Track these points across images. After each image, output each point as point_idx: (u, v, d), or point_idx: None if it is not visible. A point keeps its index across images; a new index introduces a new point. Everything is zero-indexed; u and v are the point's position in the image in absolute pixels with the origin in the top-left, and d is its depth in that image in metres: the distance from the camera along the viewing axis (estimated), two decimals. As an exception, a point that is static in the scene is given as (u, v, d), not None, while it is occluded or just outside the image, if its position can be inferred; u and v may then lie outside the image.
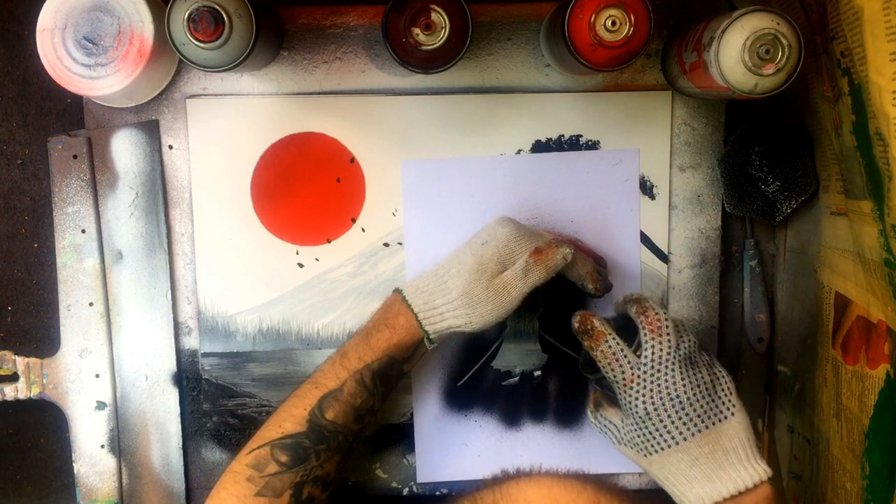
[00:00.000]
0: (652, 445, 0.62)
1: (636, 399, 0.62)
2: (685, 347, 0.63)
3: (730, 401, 0.62)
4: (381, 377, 0.67)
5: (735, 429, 0.61)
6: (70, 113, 0.75)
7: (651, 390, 0.62)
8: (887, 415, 0.62)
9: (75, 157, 0.73)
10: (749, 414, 0.63)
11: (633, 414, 0.63)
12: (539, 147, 0.75)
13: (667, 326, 0.63)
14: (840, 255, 0.68)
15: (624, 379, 0.63)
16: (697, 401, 0.61)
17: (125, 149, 0.74)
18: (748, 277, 0.78)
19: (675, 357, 0.62)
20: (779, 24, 0.59)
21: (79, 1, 0.65)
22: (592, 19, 0.61)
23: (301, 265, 0.75)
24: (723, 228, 0.77)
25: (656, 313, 0.64)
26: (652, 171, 0.75)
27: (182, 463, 0.76)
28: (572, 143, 0.75)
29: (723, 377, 0.63)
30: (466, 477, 0.78)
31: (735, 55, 0.60)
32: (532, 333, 0.77)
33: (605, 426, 0.68)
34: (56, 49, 0.65)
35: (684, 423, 0.61)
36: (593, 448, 0.77)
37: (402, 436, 0.77)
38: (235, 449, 0.77)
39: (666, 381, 0.62)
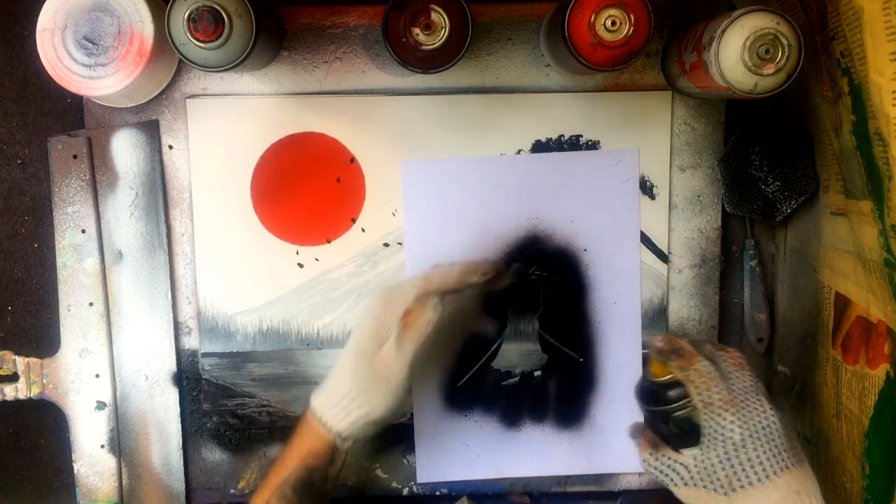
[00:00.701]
0: (740, 479, 0.58)
1: (732, 423, 0.59)
2: (762, 388, 0.62)
3: (797, 449, 0.60)
4: (303, 489, 0.64)
5: (810, 475, 0.59)
6: (70, 113, 0.75)
7: (745, 416, 0.60)
8: (887, 415, 0.62)
9: (75, 157, 0.73)
10: None
11: (724, 442, 0.59)
12: (539, 147, 0.75)
13: (747, 363, 0.63)
14: (840, 255, 0.68)
15: (721, 401, 0.60)
16: (786, 434, 0.59)
17: (125, 149, 0.74)
18: (748, 277, 0.78)
19: (759, 390, 0.61)
20: (779, 23, 0.59)
21: (79, 1, 0.65)
22: (592, 19, 0.61)
23: (301, 265, 0.75)
24: (723, 228, 0.77)
25: (738, 352, 0.63)
26: (652, 171, 0.75)
27: (182, 463, 0.76)
28: (572, 143, 0.75)
29: (790, 424, 0.62)
30: (466, 477, 0.78)
31: (735, 55, 0.60)
32: (532, 333, 0.77)
33: (670, 467, 0.63)
34: (56, 49, 0.65)
35: (775, 456, 0.58)
36: (593, 448, 0.78)
37: (402, 436, 0.77)
38: (235, 449, 0.77)
39: (757, 410, 0.60)
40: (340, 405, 0.65)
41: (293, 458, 0.65)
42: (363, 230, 0.75)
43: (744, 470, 0.58)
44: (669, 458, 0.63)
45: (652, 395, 0.64)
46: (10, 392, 0.75)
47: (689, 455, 0.61)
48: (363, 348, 0.65)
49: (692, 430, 0.61)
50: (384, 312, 0.65)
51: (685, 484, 0.61)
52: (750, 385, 0.61)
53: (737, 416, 0.60)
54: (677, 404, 0.63)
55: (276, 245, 0.75)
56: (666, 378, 0.63)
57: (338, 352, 0.75)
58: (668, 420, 0.63)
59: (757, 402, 0.60)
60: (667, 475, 0.63)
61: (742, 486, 0.58)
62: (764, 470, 0.58)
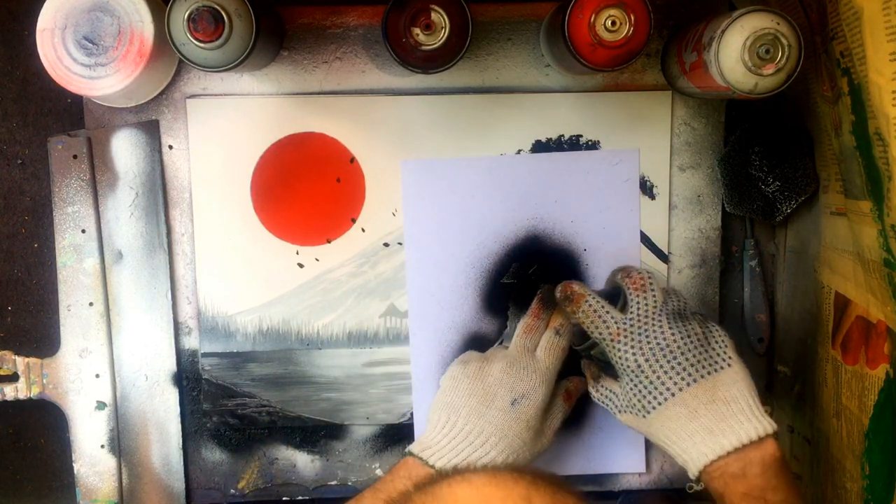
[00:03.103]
0: (649, 402, 0.61)
1: (626, 353, 0.62)
2: (673, 304, 0.63)
3: (726, 353, 0.61)
4: None
5: (733, 379, 0.60)
6: (70, 113, 0.75)
7: (640, 341, 0.61)
8: (887, 415, 0.62)
9: (75, 157, 0.73)
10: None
11: (626, 370, 0.62)
12: (539, 147, 0.75)
13: (651, 284, 0.64)
14: (840, 255, 0.68)
15: (610, 334, 0.63)
16: (689, 350, 0.60)
17: (125, 149, 0.74)
18: (748, 277, 0.78)
19: (661, 310, 0.62)
20: (779, 24, 0.59)
21: (79, 1, 0.65)
22: (592, 19, 0.61)
23: (301, 265, 0.75)
24: (723, 228, 0.77)
25: (639, 273, 0.65)
26: (652, 171, 0.75)
27: (182, 463, 0.76)
28: (572, 143, 0.75)
29: (717, 332, 0.63)
30: (466, 477, 0.78)
31: (735, 55, 0.60)
32: (532, 333, 0.77)
33: (606, 396, 0.66)
34: (56, 49, 0.65)
35: (678, 373, 0.60)
36: (593, 448, 0.77)
37: (402, 436, 0.77)
38: (235, 449, 0.77)
39: (654, 332, 0.61)
40: (476, 457, 0.63)
41: None
42: (363, 230, 0.75)
43: (650, 392, 0.61)
44: (605, 388, 0.67)
45: (574, 336, 0.70)
46: (10, 392, 0.75)
47: (618, 384, 0.65)
48: (530, 425, 0.65)
49: (610, 363, 0.65)
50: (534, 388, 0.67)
51: (619, 411, 0.65)
52: (651, 307, 0.63)
53: (629, 344, 0.62)
54: (587, 343, 0.67)
55: (276, 245, 0.75)
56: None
57: (339, 351, 0.76)
58: (591, 356, 0.69)
59: (656, 324, 0.62)
60: (606, 404, 0.67)
61: (654, 407, 0.60)
62: (668, 389, 0.60)
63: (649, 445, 0.78)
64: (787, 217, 0.76)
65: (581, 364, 0.72)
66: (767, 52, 0.59)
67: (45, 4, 0.65)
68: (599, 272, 0.76)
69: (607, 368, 0.67)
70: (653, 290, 0.64)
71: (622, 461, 0.78)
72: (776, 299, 0.79)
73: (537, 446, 0.67)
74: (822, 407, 0.72)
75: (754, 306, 0.78)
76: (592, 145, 0.75)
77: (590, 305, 0.64)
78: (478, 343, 0.76)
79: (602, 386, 0.67)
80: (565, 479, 0.78)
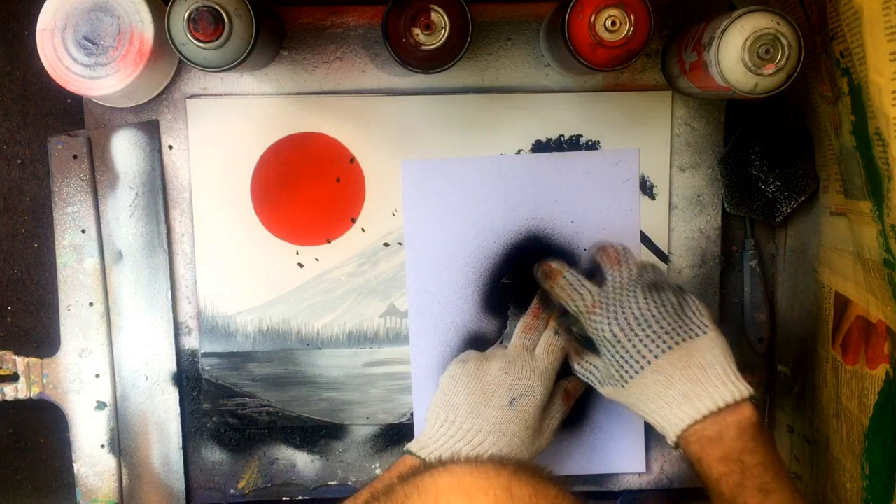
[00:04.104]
0: (626, 371, 0.61)
1: (601, 323, 0.62)
2: (648, 276, 0.65)
3: (702, 321, 0.62)
4: None
5: (708, 346, 0.60)
6: (70, 113, 0.75)
7: (615, 312, 0.62)
8: (887, 415, 0.62)
9: (75, 157, 0.73)
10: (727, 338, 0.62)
11: (602, 341, 0.63)
12: (539, 147, 0.75)
13: (626, 257, 0.66)
14: (840, 255, 0.68)
15: (586, 307, 0.64)
16: (664, 318, 0.61)
17: (125, 149, 0.74)
18: (748, 277, 0.78)
19: (636, 282, 0.63)
20: (779, 23, 0.59)
21: (79, 1, 0.65)
22: (592, 19, 0.61)
23: (301, 265, 0.75)
24: (723, 228, 0.77)
25: (614, 248, 0.66)
26: (652, 171, 0.75)
27: (182, 463, 0.76)
28: (572, 143, 0.75)
29: (693, 301, 0.63)
30: (466, 477, 0.78)
31: (735, 55, 0.60)
32: (532, 333, 0.77)
33: (588, 370, 0.68)
34: (56, 49, 0.65)
35: (652, 341, 0.60)
36: (593, 448, 0.77)
37: (402, 436, 0.77)
38: (235, 449, 0.77)
39: (629, 302, 0.62)
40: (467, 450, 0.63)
41: None
42: (363, 230, 0.75)
43: (626, 362, 0.61)
44: (587, 363, 0.68)
45: (561, 313, 0.71)
46: (10, 392, 0.75)
47: (599, 358, 0.65)
48: (529, 424, 0.65)
49: (591, 339, 0.66)
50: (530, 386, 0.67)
51: (601, 384, 0.66)
52: (625, 279, 0.64)
53: (604, 315, 0.63)
54: (567, 318, 0.69)
55: (276, 245, 0.75)
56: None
57: (339, 351, 0.76)
58: (571, 332, 0.70)
59: (631, 295, 0.63)
60: (589, 379, 0.68)
61: (631, 377, 0.61)
62: (644, 357, 0.61)
63: (649, 445, 0.78)
64: (787, 217, 0.76)
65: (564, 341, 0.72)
66: (767, 52, 0.59)
67: (45, 4, 0.65)
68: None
69: (589, 344, 0.68)
70: (627, 262, 0.65)
71: (622, 461, 0.78)
72: (776, 299, 0.79)
73: (535, 445, 0.67)
74: (822, 407, 0.72)
75: (754, 306, 0.78)
76: (592, 145, 0.75)
77: (566, 279, 0.66)
78: (478, 343, 0.76)
79: (585, 361, 0.68)
80: (565, 478, 0.78)
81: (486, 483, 0.42)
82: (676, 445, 0.60)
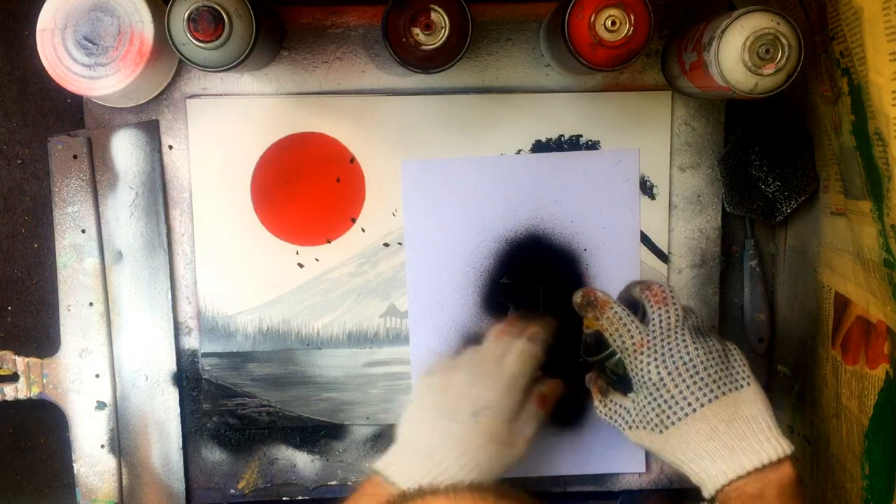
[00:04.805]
0: (668, 416, 0.59)
1: (648, 365, 0.60)
2: (693, 319, 0.62)
3: (744, 371, 0.60)
4: None
5: (753, 399, 0.59)
6: (70, 113, 0.75)
7: (663, 354, 0.60)
8: (887, 415, 0.62)
9: (75, 157, 0.73)
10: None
11: (645, 383, 0.60)
12: (539, 147, 0.75)
13: (672, 298, 0.62)
14: (840, 255, 0.68)
15: (634, 344, 0.61)
16: (712, 366, 0.59)
17: (125, 149, 0.74)
18: (748, 277, 0.78)
19: (683, 325, 0.61)
20: (779, 23, 0.59)
21: (79, 1, 0.65)
22: (592, 19, 0.61)
23: (301, 265, 0.75)
24: (723, 228, 0.77)
25: (661, 286, 0.63)
26: (652, 171, 0.75)
27: (182, 463, 0.76)
28: (572, 143, 0.75)
29: (735, 350, 0.62)
30: (466, 477, 0.78)
31: (735, 55, 0.60)
32: (532, 333, 0.77)
33: (615, 412, 0.64)
34: (56, 49, 0.65)
35: (700, 389, 0.58)
36: (593, 448, 0.77)
37: (402, 436, 0.77)
38: (235, 449, 0.77)
39: (677, 345, 0.60)
40: (435, 474, 0.60)
41: None
42: (363, 230, 0.75)
43: (670, 407, 0.59)
44: (615, 403, 0.65)
45: (587, 347, 0.67)
46: (10, 392, 0.75)
47: (629, 399, 0.63)
48: (495, 436, 0.62)
49: (626, 375, 0.63)
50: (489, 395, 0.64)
51: (629, 427, 0.63)
52: (673, 321, 0.61)
53: (652, 356, 0.60)
54: (605, 353, 0.65)
55: (276, 245, 0.75)
56: (592, 329, 0.66)
57: (338, 351, 0.76)
58: (604, 368, 0.66)
59: (679, 338, 0.60)
60: (614, 420, 0.65)
61: (673, 423, 0.59)
62: (690, 404, 0.59)
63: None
64: (787, 217, 0.76)
65: (586, 379, 0.69)
66: (767, 52, 0.59)
67: (45, 4, 0.65)
68: (599, 272, 0.76)
69: (616, 383, 0.66)
70: (675, 304, 0.62)
71: (622, 461, 0.78)
72: (776, 299, 0.79)
73: (506, 458, 0.63)
74: (822, 407, 0.72)
75: (754, 306, 0.78)
76: (592, 145, 0.75)
77: (615, 313, 0.62)
78: (478, 343, 0.76)
79: (611, 401, 0.65)
80: (564, 478, 0.78)
81: None
82: (712, 499, 0.57)
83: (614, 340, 0.63)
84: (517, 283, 0.76)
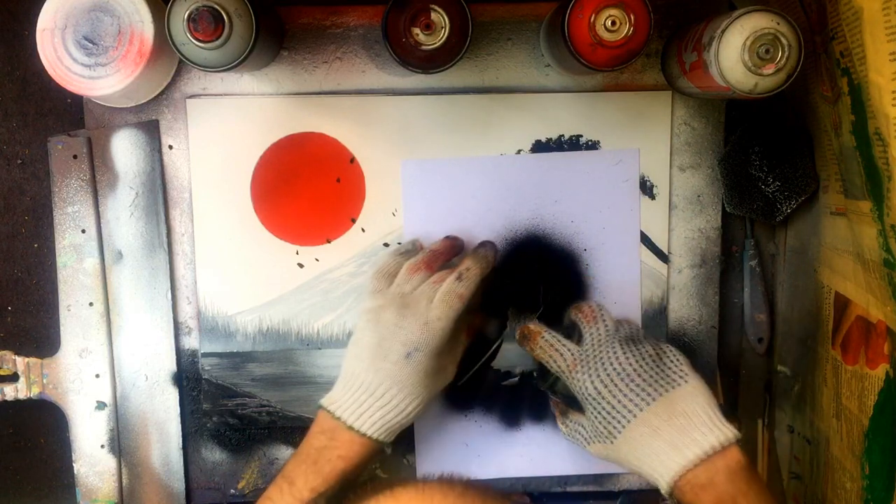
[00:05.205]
0: (614, 427, 0.62)
1: (584, 381, 0.63)
2: (625, 330, 0.65)
3: (681, 370, 0.63)
4: (335, 499, 0.62)
5: (691, 394, 0.61)
6: (70, 113, 0.75)
7: (596, 368, 0.63)
8: (887, 415, 0.62)
9: (75, 157, 0.73)
10: (708, 385, 0.62)
11: (587, 398, 0.63)
12: (539, 147, 0.75)
13: (601, 314, 0.66)
14: (840, 255, 0.68)
15: (567, 365, 0.65)
16: (645, 370, 0.62)
17: (125, 149, 0.74)
18: (748, 277, 0.78)
19: (614, 337, 0.64)
20: (779, 23, 0.59)
21: (79, 1, 0.65)
22: (592, 19, 0.61)
23: (301, 265, 0.75)
24: (723, 228, 0.77)
25: (590, 305, 0.68)
26: (652, 171, 0.75)
27: (182, 463, 0.76)
28: (572, 143, 0.75)
29: (671, 351, 0.64)
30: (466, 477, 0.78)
31: (735, 55, 0.60)
32: (532, 333, 0.77)
33: (574, 430, 0.68)
34: (56, 49, 0.65)
35: (637, 395, 0.61)
36: (593, 448, 0.78)
37: (401, 435, 0.77)
38: (235, 449, 0.77)
39: (609, 357, 0.63)
40: (376, 407, 0.64)
41: (334, 476, 0.63)
42: (363, 230, 0.75)
43: (613, 417, 0.62)
44: (573, 422, 0.69)
45: (539, 375, 0.73)
46: (10, 392, 0.75)
47: (584, 416, 0.66)
48: (430, 370, 0.65)
49: (574, 397, 0.66)
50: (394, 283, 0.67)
51: (588, 442, 0.66)
52: (604, 335, 0.65)
53: (587, 372, 0.63)
54: (551, 379, 0.71)
55: (276, 245, 0.75)
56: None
57: (338, 351, 0.76)
58: (556, 392, 0.71)
59: (609, 350, 0.63)
60: (575, 438, 0.68)
61: (619, 431, 0.61)
62: (630, 411, 0.61)
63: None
64: (787, 217, 0.76)
65: (549, 403, 0.74)
66: (767, 52, 0.59)
67: (45, 4, 0.65)
68: (599, 272, 0.76)
69: (573, 403, 0.69)
70: (604, 318, 0.66)
71: (622, 461, 0.78)
72: (776, 299, 0.79)
73: (441, 383, 0.68)
74: (822, 407, 0.72)
75: (754, 306, 0.78)
76: (592, 145, 0.75)
77: (545, 339, 0.67)
78: (477, 344, 0.76)
79: (569, 420, 0.70)
80: (563, 478, 0.78)
81: None
82: (670, 495, 0.60)
83: (550, 365, 0.67)
84: (517, 282, 0.76)
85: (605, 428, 0.63)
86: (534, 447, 0.77)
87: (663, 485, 0.59)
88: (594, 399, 0.63)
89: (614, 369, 0.62)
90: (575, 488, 0.79)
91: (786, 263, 0.78)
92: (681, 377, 0.62)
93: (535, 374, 0.75)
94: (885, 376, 0.62)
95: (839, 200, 0.68)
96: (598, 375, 0.63)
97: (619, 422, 0.61)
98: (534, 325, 0.68)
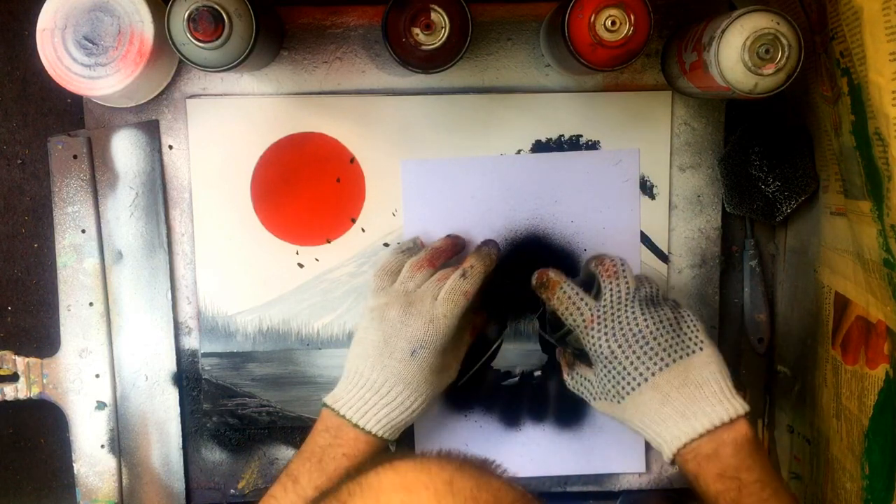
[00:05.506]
0: (623, 388, 0.61)
1: (599, 339, 0.62)
2: (646, 291, 0.64)
3: (697, 337, 0.62)
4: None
5: (704, 362, 0.61)
6: (70, 113, 0.75)
7: (613, 328, 0.62)
8: (887, 415, 0.62)
9: (75, 157, 0.73)
10: (723, 356, 0.62)
11: (599, 357, 0.63)
12: (539, 147, 0.75)
13: (623, 271, 0.65)
14: (840, 255, 0.68)
15: (584, 321, 0.64)
16: (662, 335, 0.61)
17: (125, 149, 0.74)
18: (748, 277, 0.78)
19: (634, 297, 0.63)
20: (779, 23, 0.59)
21: (79, 1, 0.65)
22: (592, 19, 0.61)
23: (301, 265, 0.75)
24: (723, 228, 0.77)
25: (612, 261, 0.65)
26: (652, 171, 0.75)
27: (182, 463, 0.76)
28: (572, 143, 0.75)
29: (689, 317, 0.64)
30: (466, 477, 0.78)
31: (735, 55, 0.60)
32: (532, 333, 0.77)
33: (581, 384, 0.68)
34: (56, 49, 0.65)
35: (650, 358, 0.60)
36: (593, 448, 0.77)
37: (401, 436, 0.77)
38: (235, 449, 0.77)
39: (627, 318, 0.62)
40: (381, 405, 0.64)
41: (338, 475, 0.62)
42: (363, 230, 0.75)
43: (624, 378, 0.61)
44: (580, 376, 0.68)
45: (550, 324, 0.72)
46: (10, 392, 0.75)
47: (592, 371, 0.66)
48: (433, 367, 0.65)
49: (584, 351, 0.66)
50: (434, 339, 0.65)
51: (594, 398, 0.66)
52: (624, 293, 0.63)
53: (602, 330, 0.62)
54: (563, 330, 0.69)
55: (276, 245, 0.75)
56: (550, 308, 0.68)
57: (338, 352, 0.76)
58: (566, 343, 0.70)
59: (629, 310, 0.62)
60: (581, 392, 0.68)
61: (628, 393, 0.61)
62: (641, 374, 0.61)
63: (649, 445, 0.78)
64: (787, 217, 0.76)
65: (556, 352, 0.73)
66: (767, 52, 0.59)
67: (45, 4, 0.65)
68: (599, 272, 0.76)
69: (581, 356, 0.68)
70: (625, 276, 0.64)
71: (622, 461, 0.78)
72: (776, 299, 0.79)
73: (444, 380, 0.68)
74: (822, 407, 0.72)
75: (754, 306, 0.78)
76: (592, 145, 0.75)
77: (564, 292, 0.65)
78: (477, 344, 0.76)
79: (577, 373, 0.69)
80: (563, 478, 0.78)
81: (428, 478, 0.42)
82: (673, 461, 0.60)
83: (566, 318, 0.65)
84: (517, 282, 0.75)
85: (613, 388, 0.62)
86: (534, 447, 0.77)
87: (667, 452, 0.60)
88: (606, 359, 0.62)
89: (631, 331, 0.61)
90: (575, 488, 0.79)
91: (786, 263, 0.78)
92: (696, 344, 0.61)
93: (544, 321, 0.73)
94: (885, 376, 0.62)
95: (839, 200, 0.68)
96: (615, 336, 0.62)
97: (629, 384, 0.61)
98: (554, 274, 0.66)
